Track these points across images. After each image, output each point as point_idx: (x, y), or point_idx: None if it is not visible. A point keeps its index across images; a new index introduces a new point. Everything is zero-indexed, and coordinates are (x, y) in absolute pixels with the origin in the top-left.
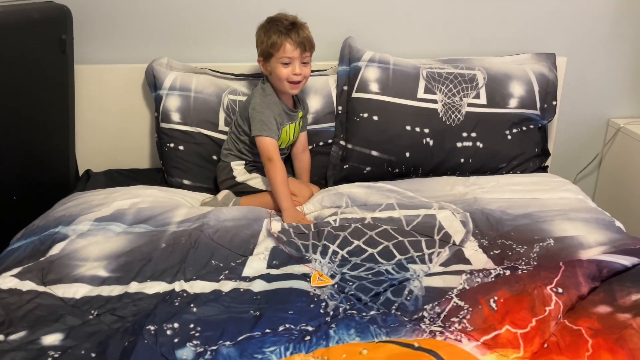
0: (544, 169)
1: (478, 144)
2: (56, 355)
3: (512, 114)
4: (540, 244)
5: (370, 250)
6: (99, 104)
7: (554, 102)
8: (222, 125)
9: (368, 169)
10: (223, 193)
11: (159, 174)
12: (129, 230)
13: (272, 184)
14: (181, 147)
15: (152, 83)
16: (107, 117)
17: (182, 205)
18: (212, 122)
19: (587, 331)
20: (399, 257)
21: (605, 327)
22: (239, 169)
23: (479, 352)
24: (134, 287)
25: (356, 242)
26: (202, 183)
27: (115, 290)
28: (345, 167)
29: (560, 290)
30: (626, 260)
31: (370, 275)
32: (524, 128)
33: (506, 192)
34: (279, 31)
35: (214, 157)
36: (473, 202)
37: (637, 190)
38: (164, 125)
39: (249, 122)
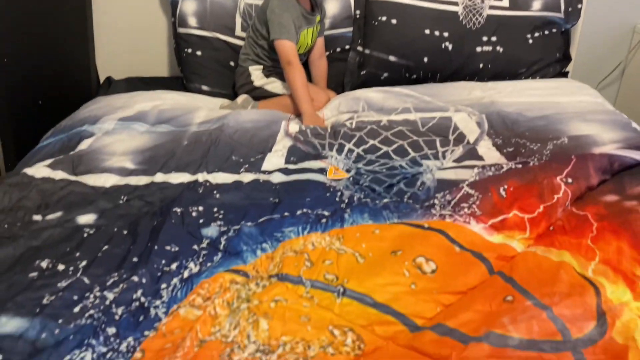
0: (564, 75)
1: (498, 48)
2: (91, 232)
3: (535, 17)
4: (554, 141)
5: (385, 149)
6: (116, 10)
7: (579, 5)
8: (238, 31)
9: (385, 75)
10: (242, 97)
11: (178, 82)
12: (152, 130)
13: (292, 87)
14: (199, 53)
15: None
16: (125, 23)
17: (201, 108)
18: (228, 27)
19: (593, 216)
20: (413, 154)
21: (611, 213)
22: (256, 74)
23: (487, 233)
24: (159, 177)
25: (371, 141)
26: (221, 89)
27: (142, 180)
28: (362, 73)
29: (569, 180)
30: (638, 155)
31: (384, 170)
32: (547, 32)
33: (524, 96)
34: None
35: (232, 63)
36: (490, 105)
37: None
38: (181, 30)
39: (267, 26)
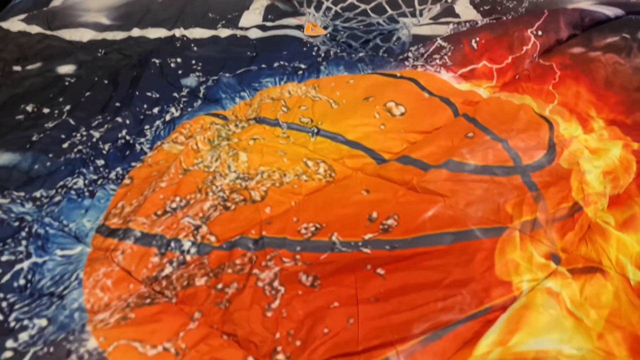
0: None
1: None
2: (72, 81)
3: None
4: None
5: (363, 6)
6: None
7: None
8: None
9: None
10: None
11: None
12: None
13: None
14: None
15: None
16: None
17: None
18: None
19: (558, 65)
20: (390, 12)
21: (575, 63)
22: None
23: (455, 81)
24: (136, 32)
25: None
26: None
27: (119, 35)
28: None
29: (539, 32)
30: (610, 11)
31: (361, 26)
32: None
33: None
34: None
35: None
36: None
37: None
38: None
39: None
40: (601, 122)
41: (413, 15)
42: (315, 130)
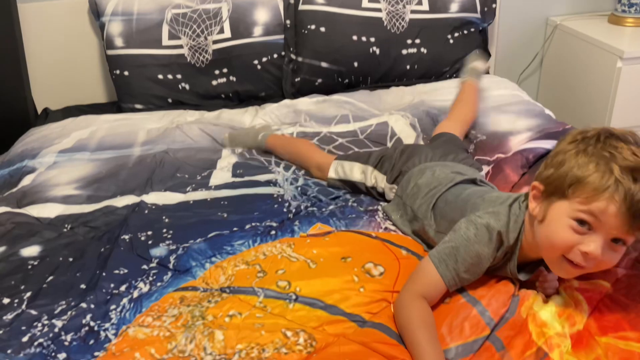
0: (485, 71)
1: (422, 49)
2: (35, 263)
3: (453, 18)
4: (476, 140)
5: None
6: (48, 40)
7: (494, 5)
8: (165, 41)
9: (319, 80)
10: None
11: (115, 106)
12: (94, 157)
13: (402, 329)
14: (126, 73)
15: (95, 11)
16: (59, 53)
17: (140, 129)
18: (155, 39)
19: None
20: None
21: None
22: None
23: None
24: (104, 202)
25: None
26: (153, 104)
27: (86, 207)
28: (297, 80)
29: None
30: (548, 144)
31: None
32: (465, 32)
33: (448, 94)
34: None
35: (160, 77)
36: (420, 105)
37: (576, 84)
38: (109, 52)
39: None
40: None
41: None
42: (294, 297)
